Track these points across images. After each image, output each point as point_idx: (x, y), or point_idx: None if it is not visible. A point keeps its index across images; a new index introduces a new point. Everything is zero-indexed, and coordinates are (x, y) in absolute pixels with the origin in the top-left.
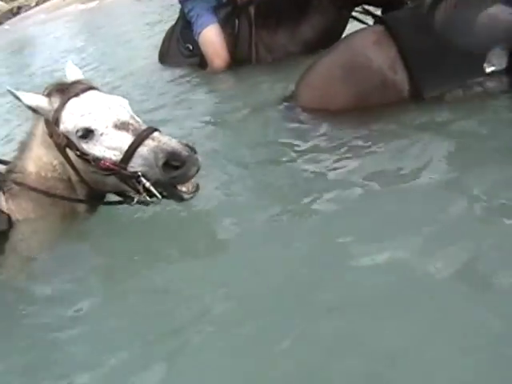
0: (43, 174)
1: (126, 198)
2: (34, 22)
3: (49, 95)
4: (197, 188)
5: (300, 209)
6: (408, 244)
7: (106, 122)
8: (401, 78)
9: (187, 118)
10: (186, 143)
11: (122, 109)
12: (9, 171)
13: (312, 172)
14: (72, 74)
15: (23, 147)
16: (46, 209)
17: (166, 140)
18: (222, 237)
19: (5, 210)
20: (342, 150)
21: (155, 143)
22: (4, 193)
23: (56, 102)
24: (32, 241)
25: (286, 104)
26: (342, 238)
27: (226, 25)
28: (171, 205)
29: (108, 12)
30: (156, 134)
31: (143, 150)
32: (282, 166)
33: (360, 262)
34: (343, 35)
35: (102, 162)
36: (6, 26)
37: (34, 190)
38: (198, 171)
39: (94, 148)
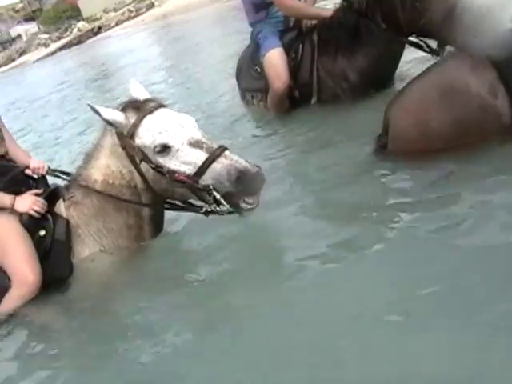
0: (110, 182)
1: (191, 206)
2: (114, 40)
3: (124, 111)
4: (257, 203)
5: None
6: None
7: (181, 140)
8: (501, 102)
9: (271, 146)
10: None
11: (193, 127)
12: (74, 180)
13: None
14: (137, 91)
15: (89, 157)
16: (110, 216)
17: (237, 158)
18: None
19: (64, 216)
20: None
21: (228, 161)
22: (65, 201)
23: (132, 117)
24: (94, 244)
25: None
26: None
27: (290, 49)
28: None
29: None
30: (227, 152)
31: (216, 167)
32: (360, 201)
33: None
34: None
35: (177, 174)
36: (87, 43)
37: (100, 192)
38: (263, 186)
39: (169, 162)
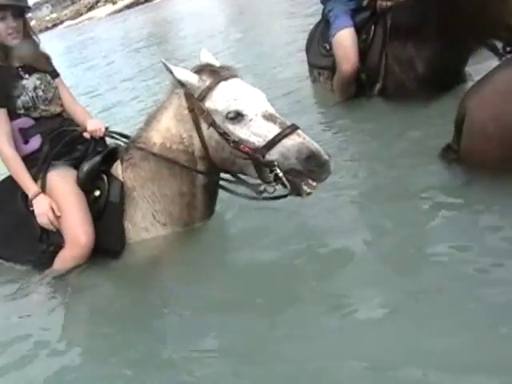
0: (168, 145)
1: (245, 182)
2: (182, 1)
3: (199, 73)
4: (314, 189)
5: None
6: None
7: (255, 110)
8: None
9: (329, 132)
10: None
11: (267, 102)
12: (133, 141)
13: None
14: (209, 60)
15: (150, 119)
16: (165, 181)
17: (310, 139)
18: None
19: (120, 178)
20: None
21: (300, 139)
22: (123, 162)
23: (207, 80)
24: (147, 208)
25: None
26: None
27: (361, 30)
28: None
29: None
30: (300, 131)
31: (287, 143)
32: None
33: None
34: None
35: (243, 146)
36: (154, 3)
37: (156, 155)
38: (327, 177)
39: (239, 131)
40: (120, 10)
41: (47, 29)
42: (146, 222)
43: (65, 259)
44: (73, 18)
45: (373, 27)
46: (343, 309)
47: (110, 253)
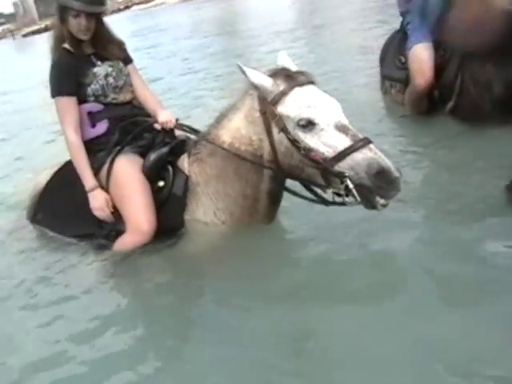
0: (237, 145)
1: (312, 191)
2: None
3: (273, 77)
4: (388, 204)
5: None
6: None
7: (328, 120)
8: None
9: (396, 147)
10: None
11: (340, 112)
12: (202, 136)
13: None
14: (286, 64)
15: (222, 117)
16: (230, 180)
17: (381, 154)
18: None
19: (186, 171)
20: None
21: (372, 154)
22: (190, 156)
23: (281, 85)
24: (210, 205)
25: None
26: None
27: (439, 46)
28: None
29: None
30: (372, 145)
31: (358, 156)
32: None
33: None
34: None
35: (313, 153)
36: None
37: (226, 150)
38: (396, 194)
39: (310, 139)
40: None
41: (119, 10)
42: (207, 219)
43: (125, 244)
44: (145, 1)
45: None
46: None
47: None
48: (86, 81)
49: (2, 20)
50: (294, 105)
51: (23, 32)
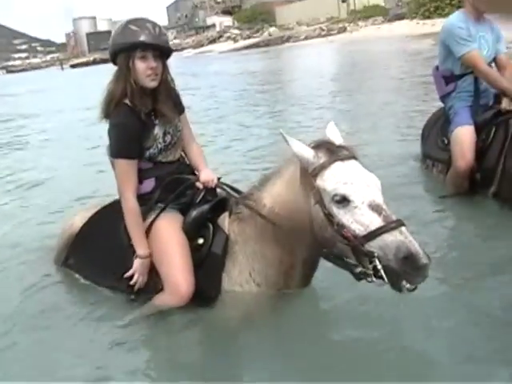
0: (276, 211)
1: (346, 264)
2: (300, 52)
3: (316, 149)
4: (416, 287)
5: None
6: None
7: (363, 198)
8: None
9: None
10: (423, 249)
11: (377, 190)
12: (244, 197)
13: None
14: (332, 136)
15: (265, 180)
16: (268, 243)
17: (411, 239)
18: None
19: (226, 230)
20: None
21: (402, 237)
22: (230, 215)
23: (322, 158)
24: (246, 265)
25: None
26: None
27: (482, 129)
28: None
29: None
30: (403, 228)
31: (388, 238)
32: None
33: None
34: None
35: (346, 230)
36: (273, 48)
37: (263, 217)
38: (423, 281)
39: (343, 215)
40: (239, 49)
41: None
42: (242, 278)
43: (162, 303)
44: (194, 47)
45: (494, 128)
46: None
47: (204, 299)
48: (146, 144)
49: (53, 48)
50: (332, 179)
51: (72, 62)
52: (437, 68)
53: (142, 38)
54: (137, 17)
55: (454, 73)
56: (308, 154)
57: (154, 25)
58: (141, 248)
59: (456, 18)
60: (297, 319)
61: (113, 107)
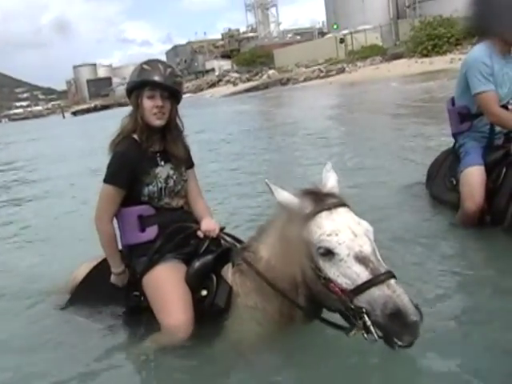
0: (272, 263)
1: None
2: (297, 93)
3: (301, 198)
4: (411, 344)
5: None
6: None
7: (348, 250)
8: None
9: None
10: (416, 304)
11: (366, 240)
12: (244, 248)
13: None
14: (328, 179)
15: (262, 231)
16: (267, 295)
17: (400, 293)
18: None
19: (229, 281)
20: None
21: (389, 292)
22: (233, 266)
23: (307, 208)
24: (247, 318)
25: None
26: None
27: (492, 170)
28: None
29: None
30: (392, 281)
31: (375, 293)
32: None
33: None
34: None
35: (332, 284)
36: (272, 90)
37: (260, 275)
38: (414, 339)
39: (329, 269)
40: (239, 92)
41: None
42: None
43: (161, 342)
44: (193, 91)
45: (504, 169)
46: None
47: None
48: (145, 180)
49: (54, 96)
50: (317, 231)
51: (73, 109)
52: (452, 101)
53: (152, 78)
54: (152, 58)
55: (470, 111)
56: (293, 204)
57: (166, 66)
58: (116, 266)
59: (481, 52)
60: (299, 345)
61: (120, 139)
